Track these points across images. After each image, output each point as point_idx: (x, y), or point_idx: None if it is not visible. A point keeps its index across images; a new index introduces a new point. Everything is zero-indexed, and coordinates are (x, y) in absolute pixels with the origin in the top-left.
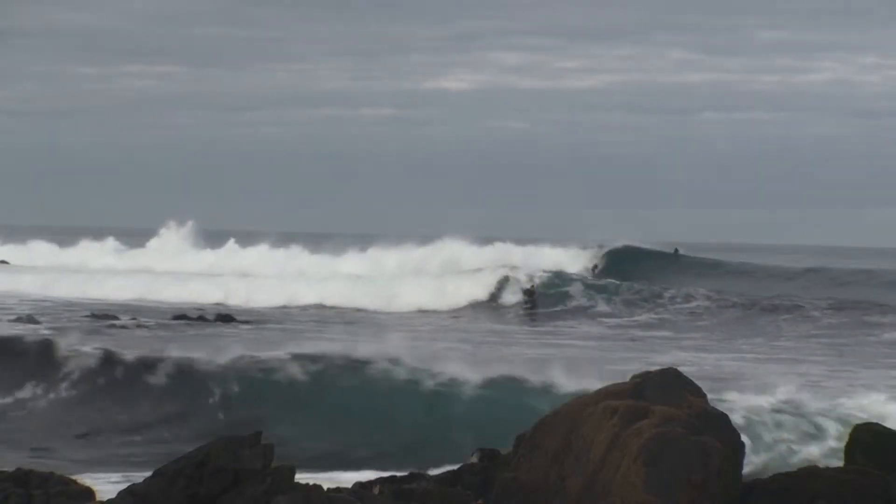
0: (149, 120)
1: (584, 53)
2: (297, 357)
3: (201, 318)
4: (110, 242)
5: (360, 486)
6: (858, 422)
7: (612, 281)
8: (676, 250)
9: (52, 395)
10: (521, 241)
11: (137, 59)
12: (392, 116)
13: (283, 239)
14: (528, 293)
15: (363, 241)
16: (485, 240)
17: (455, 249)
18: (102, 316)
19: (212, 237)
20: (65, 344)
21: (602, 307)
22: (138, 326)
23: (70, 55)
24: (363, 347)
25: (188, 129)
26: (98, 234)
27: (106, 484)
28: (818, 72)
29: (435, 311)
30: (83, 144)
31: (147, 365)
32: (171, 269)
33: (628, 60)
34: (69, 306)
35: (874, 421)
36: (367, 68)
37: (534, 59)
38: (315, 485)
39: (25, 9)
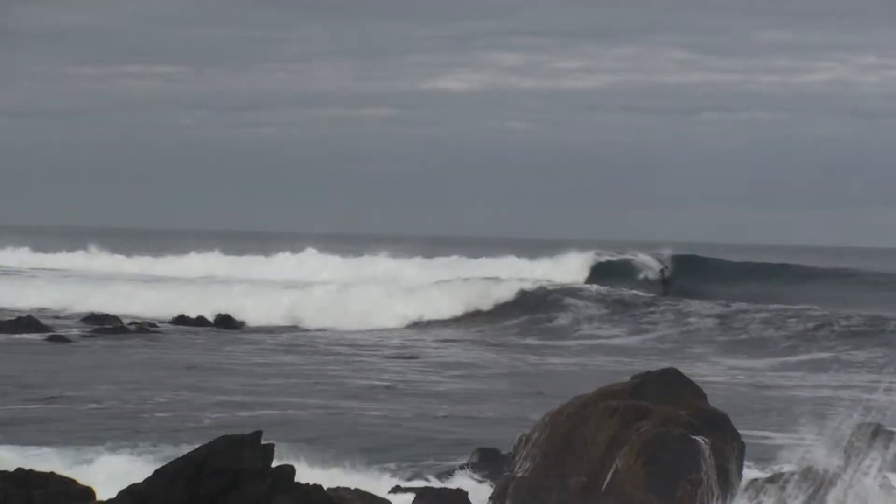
0: (149, 120)
1: (584, 53)
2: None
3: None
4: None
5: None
6: None
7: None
8: (663, 270)
9: None
10: (521, 241)
11: (137, 59)
12: (392, 116)
13: (289, 239)
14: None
15: (364, 242)
16: (486, 240)
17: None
18: (103, 317)
19: (212, 237)
20: None
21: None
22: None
23: (70, 55)
24: None
25: (188, 129)
26: (98, 234)
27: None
28: (818, 72)
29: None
30: (83, 144)
31: None
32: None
33: (628, 60)
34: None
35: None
36: (367, 68)
37: (534, 59)
38: (315, 485)
39: (25, 9)
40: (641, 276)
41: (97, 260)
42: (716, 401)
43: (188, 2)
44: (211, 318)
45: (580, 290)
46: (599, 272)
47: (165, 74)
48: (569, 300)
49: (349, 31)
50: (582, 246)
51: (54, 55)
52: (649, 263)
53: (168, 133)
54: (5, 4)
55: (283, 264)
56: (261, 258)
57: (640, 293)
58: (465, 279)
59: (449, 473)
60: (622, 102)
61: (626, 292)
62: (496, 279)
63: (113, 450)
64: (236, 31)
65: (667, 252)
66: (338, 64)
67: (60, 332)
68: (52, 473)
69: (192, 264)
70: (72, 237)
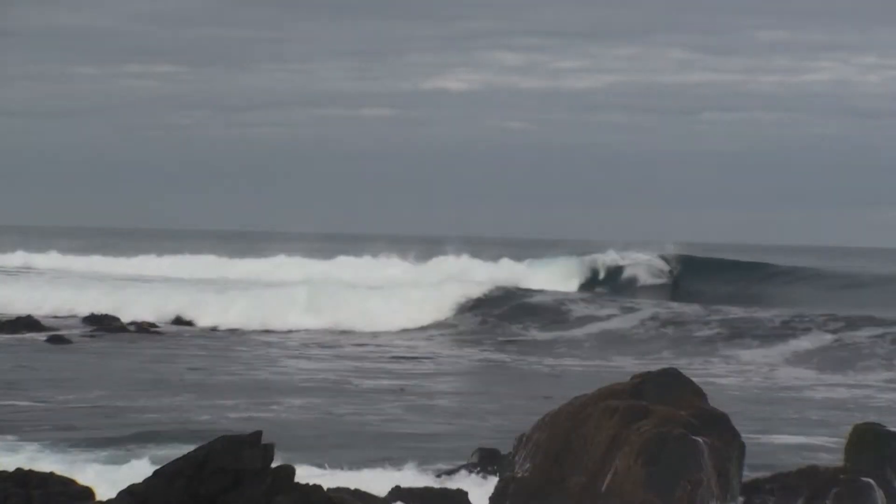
0: (149, 120)
1: (584, 53)
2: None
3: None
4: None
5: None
6: None
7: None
8: (671, 271)
9: None
10: (520, 241)
11: (137, 59)
12: (392, 116)
13: (290, 239)
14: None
15: (365, 241)
16: (485, 239)
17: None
18: (102, 317)
19: (211, 237)
20: None
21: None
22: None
23: (70, 55)
24: None
25: (188, 129)
26: (97, 234)
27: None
28: (818, 72)
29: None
30: (83, 144)
31: None
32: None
33: (628, 60)
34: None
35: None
36: (367, 68)
37: (534, 59)
38: (315, 485)
39: (25, 9)
40: (649, 276)
41: (79, 261)
42: (722, 401)
43: (188, 2)
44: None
45: (582, 292)
46: (603, 274)
47: (165, 74)
48: (569, 301)
49: (349, 31)
50: (582, 246)
51: (54, 55)
52: (656, 264)
53: (168, 133)
54: (5, 4)
55: (260, 265)
56: (235, 259)
57: (649, 297)
58: (455, 281)
59: (449, 473)
60: (622, 102)
61: (632, 300)
62: (482, 283)
63: (113, 449)
64: (236, 31)
65: (673, 252)
66: (338, 64)
67: (61, 332)
68: (51, 473)
69: (186, 265)
70: (69, 238)
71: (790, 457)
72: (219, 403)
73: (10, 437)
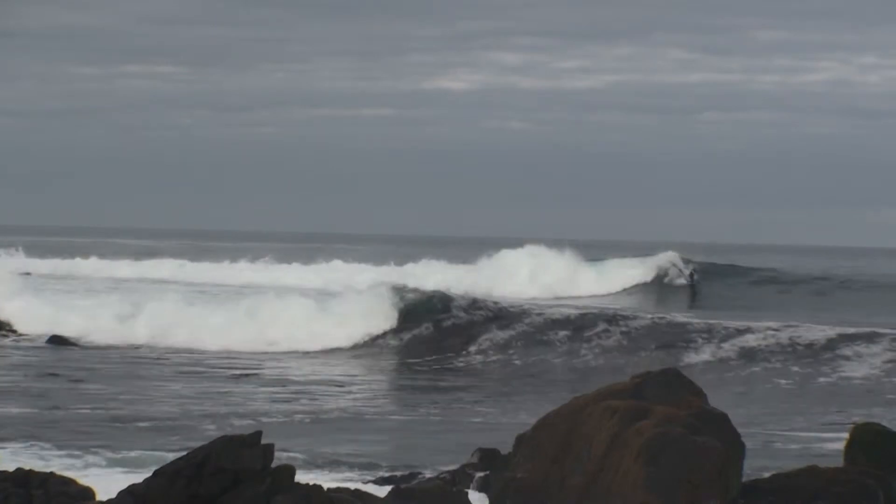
0: (149, 120)
1: (584, 53)
2: None
3: None
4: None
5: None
6: None
7: None
8: (692, 274)
9: None
10: (518, 241)
11: (137, 59)
12: (392, 116)
13: (286, 239)
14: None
15: (364, 242)
16: (486, 239)
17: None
18: None
19: (211, 237)
20: None
21: None
22: None
23: (70, 55)
24: None
25: (188, 129)
26: (97, 234)
27: None
28: (818, 72)
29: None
30: (83, 144)
31: None
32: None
33: (628, 60)
34: None
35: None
36: (367, 68)
37: (534, 59)
38: (315, 485)
39: (25, 9)
40: (667, 282)
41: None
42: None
43: (188, 2)
44: None
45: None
46: (619, 278)
47: (165, 74)
48: (568, 304)
49: (349, 31)
50: (583, 246)
51: (54, 55)
52: (677, 265)
53: (168, 133)
54: (5, 4)
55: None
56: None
57: (673, 311)
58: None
59: (449, 474)
60: (622, 102)
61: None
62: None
63: (113, 450)
64: (236, 31)
65: (693, 255)
66: (338, 64)
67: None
68: (51, 473)
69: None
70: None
71: (790, 457)
72: (222, 405)
73: (10, 438)
